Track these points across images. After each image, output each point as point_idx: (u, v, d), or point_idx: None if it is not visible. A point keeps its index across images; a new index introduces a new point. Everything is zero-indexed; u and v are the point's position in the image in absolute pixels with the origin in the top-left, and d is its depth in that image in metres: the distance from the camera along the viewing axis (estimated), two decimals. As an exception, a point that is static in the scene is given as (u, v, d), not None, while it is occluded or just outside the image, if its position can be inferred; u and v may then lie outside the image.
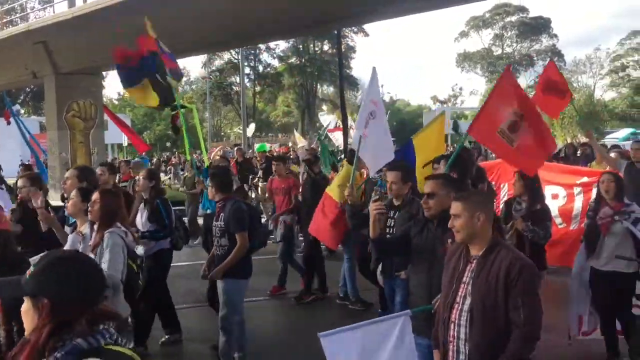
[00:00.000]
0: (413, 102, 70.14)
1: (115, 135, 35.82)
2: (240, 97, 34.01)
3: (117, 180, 8.02)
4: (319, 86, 57.47)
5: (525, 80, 64.57)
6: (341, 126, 23.99)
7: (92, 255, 3.99)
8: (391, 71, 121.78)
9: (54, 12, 20.89)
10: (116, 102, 54.96)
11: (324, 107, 64.79)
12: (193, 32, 15.95)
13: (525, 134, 4.84)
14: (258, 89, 55.52)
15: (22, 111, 43.81)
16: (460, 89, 68.17)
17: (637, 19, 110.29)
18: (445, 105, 62.96)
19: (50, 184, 21.76)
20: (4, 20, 25.58)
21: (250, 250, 5.40)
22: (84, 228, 4.44)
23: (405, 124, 57.11)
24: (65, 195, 5.61)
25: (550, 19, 62.78)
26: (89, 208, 4.24)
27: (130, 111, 49.64)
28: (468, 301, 3.07)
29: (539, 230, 5.33)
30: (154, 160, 28.02)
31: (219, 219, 5.33)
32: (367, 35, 52.87)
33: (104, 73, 26.64)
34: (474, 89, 73.91)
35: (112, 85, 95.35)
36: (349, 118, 21.58)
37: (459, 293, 3.11)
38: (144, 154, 16.62)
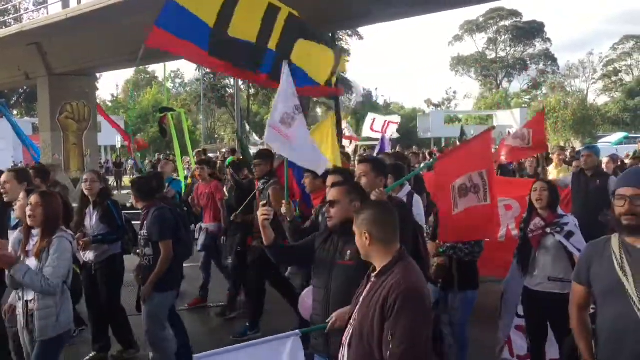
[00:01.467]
0: (407, 105, 70.14)
1: (108, 137, 35.79)
2: (235, 100, 33.97)
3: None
4: (313, 89, 57.43)
5: (519, 84, 64.98)
6: (345, 133, 23.95)
7: (33, 261, 3.91)
8: (385, 74, 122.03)
9: (47, 14, 20.80)
10: (109, 104, 54.79)
11: (318, 110, 64.89)
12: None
13: (472, 203, 4.73)
14: (252, 91, 55.49)
15: (15, 112, 43.62)
16: (454, 92, 68.66)
17: (629, 24, 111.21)
18: (439, 109, 63.14)
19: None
20: (-2, 21, 25.47)
21: (176, 260, 5.06)
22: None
23: (399, 127, 57.18)
24: (6, 199, 5.24)
25: (543, 23, 63.30)
26: (27, 211, 4.00)
27: (124, 113, 49.49)
28: (353, 323, 2.82)
29: (462, 247, 4.92)
30: (146, 162, 27.85)
31: (143, 227, 5.06)
32: (361, 38, 52.90)
33: (97, 75, 26.52)
34: (467, 92, 74.08)
35: (106, 87, 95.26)
36: (343, 122, 21.55)
37: (354, 314, 2.84)
38: (133, 155, 16.59)
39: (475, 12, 66.63)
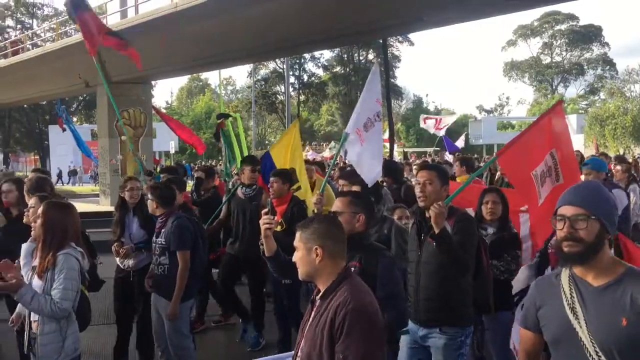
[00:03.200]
0: (458, 111, 69.23)
1: (163, 143, 36.64)
2: (285, 106, 34.26)
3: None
4: (363, 95, 57.42)
5: (575, 89, 63.13)
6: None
7: (38, 282, 3.49)
8: (436, 80, 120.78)
9: (107, 24, 21.50)
10: (164, 111, 56.16)
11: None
12: (239, 42, 16.16)
13: (549, 188, 4.24)
14: (302, 98, 55.86)
15: (75, 119, 45.20)
16: (507, 98, 67.32)
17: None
18: (491, 115, 61.99)
19: (100, 190, 22.43)
20: (60, 31, 26.47)
21: (192, 270, 4.91)
22: None
23: (450, 133, 56.41)
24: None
25: (601, 27, 61.45)
26: (33, 223, 3.64)
27: (178, 119, 50.65)
28: (300, 354, 2.55)
29: (497, 264, 4.51)
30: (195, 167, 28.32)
31: (160, 235, 4.92)
32: (412, 44, 52.80)
33: (152, 82, 27.24)
34: (521, 98, 72.67)
35: (161, 94, 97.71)
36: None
37: (300, 343, 2.58)
38: (183, 161, 16.85)
39: (529, 17, 65.26)
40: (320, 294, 2.52)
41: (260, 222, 3.35)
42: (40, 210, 3.57)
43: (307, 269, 2.56)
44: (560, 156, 4.35)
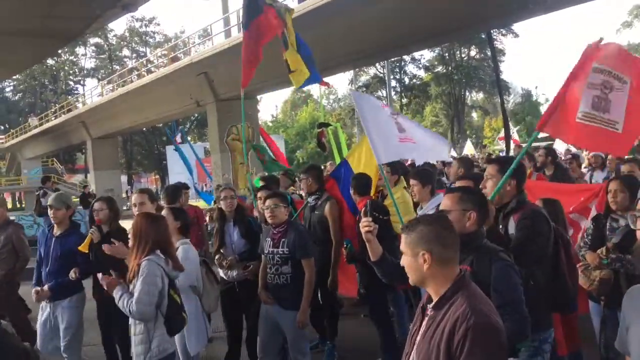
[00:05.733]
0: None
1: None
2: (388, 110, 34.08)
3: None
4: (467, 93, 56.00)
5: None
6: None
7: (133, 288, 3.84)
8: (544, 72, 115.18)
9: (212, 45, 22.51)
10: (270, 124, 57.80)
11: (474, 114, 62.91)
12: (341, 48, 16.29)
13: (621, 105, 3.60)
14: (405, 100, 55.37)
15: (189, 138, 47.63)
16: (626, 83, 62.67)
17: None
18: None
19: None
20: (170, 56, 28.04)
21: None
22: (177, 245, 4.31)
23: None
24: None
25: None
26: (131, 232, 3.97)
27: (284, 132, 51.89)
28: None
29: (634, 260, 4.01)
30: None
31: (279, 244, 4.81)
32: (516, 36, 50.65)
33: (258, 97, 28.13)
34: (642, 83, 67.34)
35: (266, 108, 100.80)
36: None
37: (411, 356, 2.36)
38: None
39: (646, -6, 60.48)
40: (433, 303, 2.31)
41: (360, 225, 3.24)
42: (134, 221, 3.94)
43: (416, 276, 2.35)
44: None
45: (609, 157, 8.52)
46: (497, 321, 2.21)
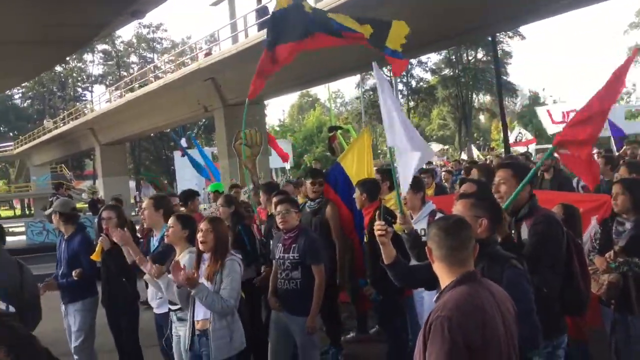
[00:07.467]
0: (581, 102, 65.24)
1: (278, 160, 37.75)
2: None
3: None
4: (474, 96, 55.90)
5: None
6: (522, 139, 22.92)
7: (206, 284, 4.05)
8: (552, 73, 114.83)
9: (219, 50, 22.58)
10: (277, 129, 57.92)
11: (481, 117, 62.74)
12: (347, 52, 16.32)
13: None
14: (412, 104, 55.33)
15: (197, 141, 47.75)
16: (634, 85, 62.21)
17: None
18: (617, 105, 57.80)
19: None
20: (177, 62, 28.15)
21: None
22: (182, 256, 4.34)
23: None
24: (145, 225, 5.58)
25: None
26: (199, 237, 4.16)
27: (291, 136, 51.94)
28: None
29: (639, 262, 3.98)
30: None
31: (290, 250, 4.81)
32: (523, 38, 50.53)
33: (265, 102, 28.23)
34: (650, 84, 67.02)
35: (273, 113, 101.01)
36: (517, 127, 20.70)
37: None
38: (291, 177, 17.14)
39: (653, -5, 60.21)
40: (435, 296, 2.45)
41: (375, 229, 3.25)
42: (206, 227, 4.16)
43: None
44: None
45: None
46: (460, 320, 2.21)
